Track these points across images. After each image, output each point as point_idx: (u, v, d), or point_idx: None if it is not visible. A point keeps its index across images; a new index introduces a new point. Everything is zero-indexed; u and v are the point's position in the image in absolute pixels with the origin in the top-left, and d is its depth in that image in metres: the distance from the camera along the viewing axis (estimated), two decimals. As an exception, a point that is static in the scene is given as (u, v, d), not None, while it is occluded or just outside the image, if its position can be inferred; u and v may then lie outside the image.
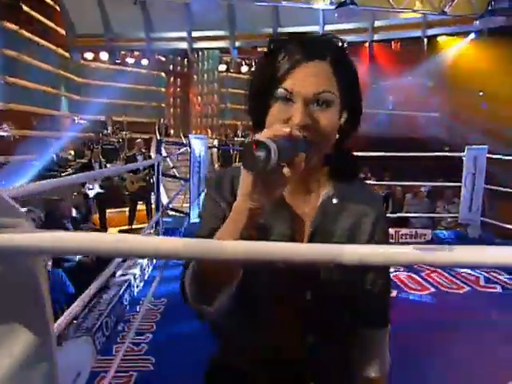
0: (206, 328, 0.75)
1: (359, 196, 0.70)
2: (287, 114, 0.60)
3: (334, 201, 0.68)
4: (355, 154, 0.71)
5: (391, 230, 5.24)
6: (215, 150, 9.76)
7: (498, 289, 3.70)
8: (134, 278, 3.22)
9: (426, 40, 9.72)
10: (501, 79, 7.97)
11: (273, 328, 0.67)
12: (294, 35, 0.65)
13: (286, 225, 0.66)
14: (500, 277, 3.93)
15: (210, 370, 0.78)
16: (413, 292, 3.53)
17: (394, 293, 3.29)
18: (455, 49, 9.80)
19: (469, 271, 3.98)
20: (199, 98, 15.10)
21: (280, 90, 0.61)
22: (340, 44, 0.65)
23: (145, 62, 11.23)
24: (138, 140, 6.87)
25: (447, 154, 5.02)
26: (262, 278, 0.63)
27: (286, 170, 0.50)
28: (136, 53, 11.07)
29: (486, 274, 3.94)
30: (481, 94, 9.46)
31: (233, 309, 0.59)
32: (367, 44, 10.10)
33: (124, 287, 2.92)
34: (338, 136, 0.65)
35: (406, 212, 6.60)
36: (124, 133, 9.58)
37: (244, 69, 12.87)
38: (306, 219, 0.67)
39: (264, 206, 0.52)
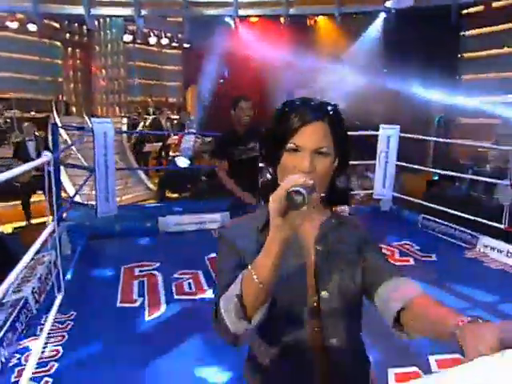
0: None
1: (347, 221, 0.96)
2: (295, 161, 0.83)
3: (333, 221, 0.93)
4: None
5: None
6: (124, 128, 8.95)
7: (411, 261, 3.95)
8: (32, 293, 2.72)
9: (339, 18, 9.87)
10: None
11: (294, 327, 0.86)
12: (301, 100, 0.87)
13: (295, 243, 0.87)
14: (412, 249, 4.21)
15: (248, 360, 0.97)
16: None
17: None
18: (369, 28, 10.06)
19: (385, 246, 4.18)
20: (103, 71, 13.65)
21: (290, 145, 0.83)
22: (333, 108, 0.88)
23: (32, 27, 9.68)
24: (26, 124, 5.90)
25: (362, 132, 5.17)
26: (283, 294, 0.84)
27: (305, 208, 0.69)
28: (19, 15, 9.45)
29: (400, 248, 4.20)
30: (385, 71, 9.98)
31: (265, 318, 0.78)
32: (283, 20, 9.98)
33: (18, 307, 2.43)
34: (332, 174, 0.88)
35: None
36: (13, 111, 8.26)
37: (152, 40, 11.92)
38: (310, 236, 0.90)
39: (290, 234, 0.72)
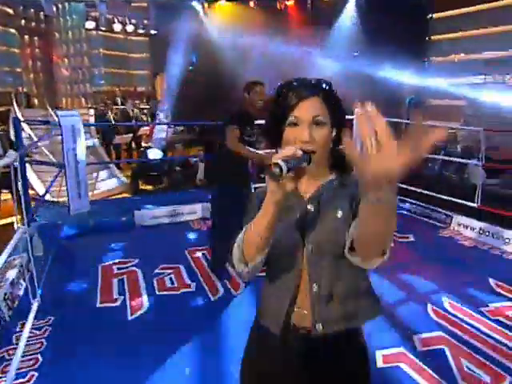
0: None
1: (349, 181, 1.00)
2: (295, 133, 0.93)
3: (335, 183, 1.01)
4: None
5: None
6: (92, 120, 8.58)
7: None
8: (4, 299, 2.58)
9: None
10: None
11: (287, 275, 0.99)
12: (297, 80, 0.97)
13: (294, 198, 0.98)
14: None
15: (253, 329, 1.09)
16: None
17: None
18: (340, 12, 9.95)
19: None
20: (65, 60, 13.04)
21: (290, 119, 0.93)
22: (327, 84, 0.97)
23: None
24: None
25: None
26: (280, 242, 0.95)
27: (291, 176, 0.82)
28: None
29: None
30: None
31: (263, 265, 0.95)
32: (252, 4, 9.75)
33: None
34: (332, 144, 0.98)
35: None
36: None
37: (117, 27, 11.44)
38: (306, 194, 1.00)
39: (281, 198, 0.84)
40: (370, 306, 1.02)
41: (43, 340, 2.38)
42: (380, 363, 2.20)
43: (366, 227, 0.78)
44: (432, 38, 8.32)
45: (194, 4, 10.82)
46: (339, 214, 0.95)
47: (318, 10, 9.89)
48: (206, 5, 10.79)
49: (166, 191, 6.53)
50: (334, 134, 0.97)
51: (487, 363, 2.25)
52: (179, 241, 4.05)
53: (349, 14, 9.41)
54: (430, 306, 2.81)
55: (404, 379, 2.11)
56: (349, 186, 0.98)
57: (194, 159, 7.34)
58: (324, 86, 0.96)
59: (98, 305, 2.85)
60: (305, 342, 0.98)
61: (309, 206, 0.98)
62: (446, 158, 5.57)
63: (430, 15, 8.27)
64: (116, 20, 11.27)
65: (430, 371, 2.17)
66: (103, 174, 6.91)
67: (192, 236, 4.28)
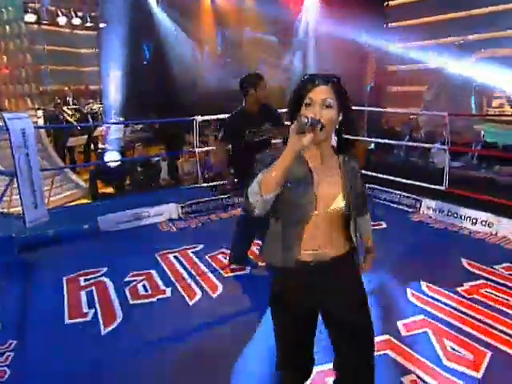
0: None
1: (350, 158, 1.43)
2: (309, 111, 1.27)
3: (337, 158, 1.41)
4: None
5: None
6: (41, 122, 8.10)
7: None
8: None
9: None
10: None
11: (298, 223, 1.38)
12: (314, 74, 1.34)
13: (301, 168, 1.34)
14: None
15: (272, 296, 1.48)
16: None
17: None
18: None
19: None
20: (4, 57, 12.22)
21: (306, 100, 1.29)
22: (336, 78, 1.33)
23: None
24: None
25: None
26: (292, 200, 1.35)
27: (310, 131, 1.18)
28: None
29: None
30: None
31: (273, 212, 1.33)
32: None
33: None
34: (337, 127, 1.35)
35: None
36: None
37: (62, 20, 10.84)
38: (314, 167, 1.36)
39: (299, 148, 1.17)
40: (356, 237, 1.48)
41: (5, 368, 2.20)
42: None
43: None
44: (390, 2, 8.47)
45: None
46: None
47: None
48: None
49: (128, 194, 6.31)
50: (340, 118, 1.33)
51: (469, 341, 2.35)
52: (148, 245, 3.91)
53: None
54: (409, 291, 2.89)
55: (392, 366, 2.16)
56: (347, 161, 1.41)
57: (156, 158, 7.15)
58: (334, 79, 1.32)
59: (67, 321, 2.69)
60: (317, 264, 1.41)
61: (316, 175, 1.36)
62: (412, 143, 5.76)
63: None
64: (60, 12, 10.68)
65: (417, 355, 2.23)
66: (58, 179, 6.57)
67: (161, 239, 4.14)
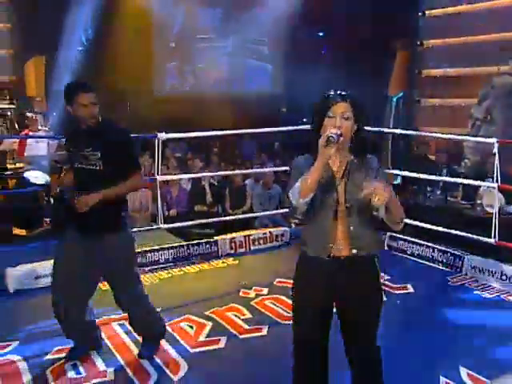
0: None
1: (368, 160, 2.41)
2: (331, 122, 2.27)
3: (355, 161, 2.37)
4: None
5: (241, 237, 5.70)
6: None
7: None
8: None
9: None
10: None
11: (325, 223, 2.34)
12: (335, 91, 2.36)
13: (327, 173, 2.30)
14: (381, 280, 4.60)
15: (300, 258, 2.47)
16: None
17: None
18: None
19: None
20: None
21: (329, 113, 2.29)
22: (354, 95, 2.34)
23: None
24: None
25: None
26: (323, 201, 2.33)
27: (335, 145, 2.20)
28: None
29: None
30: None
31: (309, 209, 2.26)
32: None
33: None
34: (354, 135, 2.34)
35: (252, 206, 7.06)
36: None
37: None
38: (336, 171, 2.35)
39: (328, 158, 2.22)
40: (379, 241, 2.57)
41: None
42: None
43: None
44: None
45: None
46: (361, 182, 2.21)
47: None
48: None
49: (50, 236, 6.38)
50: (355, 128, 2.29)
51: None
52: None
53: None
54: (442, 380, 3.06)
55: None
56: (366, 163, 2.35)
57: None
58: (352, 95, 2.30)
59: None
60: (341, 261, 2.31)
61: (339, 177, 2.32)
62: (451, 179, 5.97)
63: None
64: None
65: None
66: None
67: (95, 298, 4.22)
